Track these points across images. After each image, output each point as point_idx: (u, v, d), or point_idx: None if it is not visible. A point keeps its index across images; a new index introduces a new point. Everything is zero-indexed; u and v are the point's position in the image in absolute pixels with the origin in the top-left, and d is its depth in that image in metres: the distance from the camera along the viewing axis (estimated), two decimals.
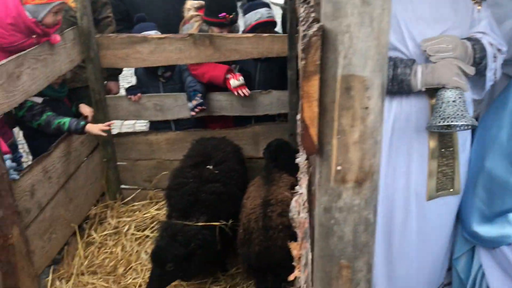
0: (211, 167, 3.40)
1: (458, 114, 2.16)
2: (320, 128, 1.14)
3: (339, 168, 1.14)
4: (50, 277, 3.39)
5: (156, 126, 4.32)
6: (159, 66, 3.98)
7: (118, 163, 4.28)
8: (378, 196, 1.20)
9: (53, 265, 3.51)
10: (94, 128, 3.54)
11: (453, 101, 2.15)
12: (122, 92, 4.41)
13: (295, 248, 1.74)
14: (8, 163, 2.87)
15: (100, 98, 3.95)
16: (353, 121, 1.10)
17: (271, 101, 3.98)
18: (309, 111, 1.12)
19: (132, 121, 6.49)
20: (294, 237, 2.41)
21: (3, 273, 2.78)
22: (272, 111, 4.05)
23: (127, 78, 6.12)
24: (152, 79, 4.11)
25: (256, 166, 4.19)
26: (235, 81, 3.82)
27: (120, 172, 4.30)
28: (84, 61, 3.82)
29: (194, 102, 3.87)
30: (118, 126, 5.81)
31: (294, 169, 2.87)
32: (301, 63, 1.10)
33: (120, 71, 4.46)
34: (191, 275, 3.12)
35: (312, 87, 1.10)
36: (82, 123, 3.49)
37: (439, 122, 2.16)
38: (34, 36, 3.16)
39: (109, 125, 3.70)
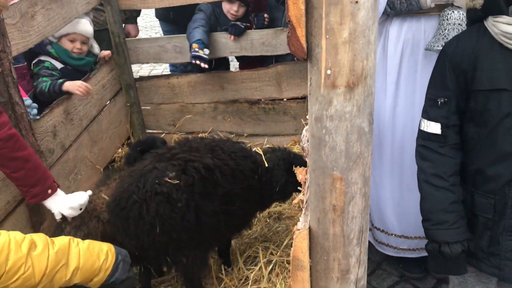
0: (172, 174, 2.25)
1: None
2: (308, 29, 1.06)
3: (328, 72, 1.06)
4: None
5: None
6: None
7: (142, 107, 4.29)
8: (373, 103, 1.12)
9: None
10: (71, 86, 3.21)
11: (459, 24, 2.01)
12: (141, 35, 4.37)
13: (300, 173, 1.69)
14: (29, 102, 2.93)
15: (119, 41, 3.93)
16: (341, 18, 1.01)
17: None
18: (295, 8, 1.03)
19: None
20: None
21: (29, 209, 2.88)
22: None
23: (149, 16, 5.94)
24: None
25: (279, 108, 4.13)
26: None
27: (144, 116, 4.33)
28: (102, 4, 3.78)
29: (200, 52, 3.62)
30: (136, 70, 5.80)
31: None
32: None
33: (138, 13, 4.40)
34: None
35: None
36: (60, 81, 3.21)
37: (441, 46, 2.03)
38: None
39: (87, 90, 3.25)
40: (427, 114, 1.89)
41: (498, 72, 1.68)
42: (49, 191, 2.40)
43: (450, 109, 1.82)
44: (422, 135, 1.91)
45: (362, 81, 1.06)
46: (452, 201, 1.84)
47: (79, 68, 3.57)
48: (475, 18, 1.78)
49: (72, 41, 3.45)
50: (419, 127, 1.93)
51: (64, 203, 2.41)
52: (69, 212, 2.43)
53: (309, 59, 1.10)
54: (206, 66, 3.62)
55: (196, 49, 3.60)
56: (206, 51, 3.66)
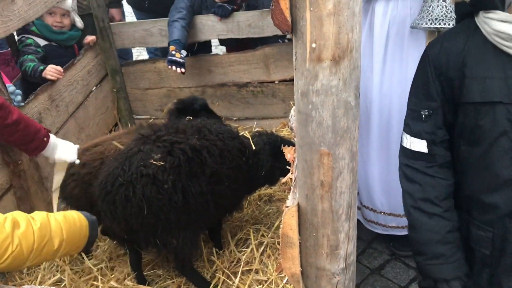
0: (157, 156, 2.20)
1: (447, 16, 2.02)
2: (292, 1, 1.04)
3: (313, 45, 1.05)
4: None
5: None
6: None
7: (129, 92, 4.25)
8: (359, 77, 1.11)
9: None
10: (45, 72, 3.23)
11: (443, 1, 2.00)
12: (127, 19, 4.31)
13: (288, 152, 1.68)
14: (12, 88, 2.88)
15: (104, 26, 3.87)
16: None
17: None
18: None
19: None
20: None
21: (17, 197, 2.85)
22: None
23: None
24: None
25: (268, 91, 4.11)
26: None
27: (131, 102, 4.28)
28: None
29: (177, 55, 3.55)
30: None
31: None
32: None
33: None
34: None
35: None
36: (41, 68, 3.22)
37: (426, 24, 2.03)
38: None
39: (57, 72, 3.27)
40: (409, 128, 1.59)
41: (491, 81, 1.38)
42: (45, 139, 2.48)
43: (436, 123, 1.53)
44: (405, 153, 1.62)
45: (347, 54, 1.04)
46: (449, 230, 1.55)
47: (62, 43, 3.55)
48: (464, 12, 1.50)
49: (51, 14, 3.42)
50: (401, 143, 1.64)
51: (57, 151, 2.55)
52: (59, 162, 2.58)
53: (294, 33, 1.08)
54: (183, 70, 3.59)
55: (173, 52, 3.57)
56: (184, 52, 3.62)
